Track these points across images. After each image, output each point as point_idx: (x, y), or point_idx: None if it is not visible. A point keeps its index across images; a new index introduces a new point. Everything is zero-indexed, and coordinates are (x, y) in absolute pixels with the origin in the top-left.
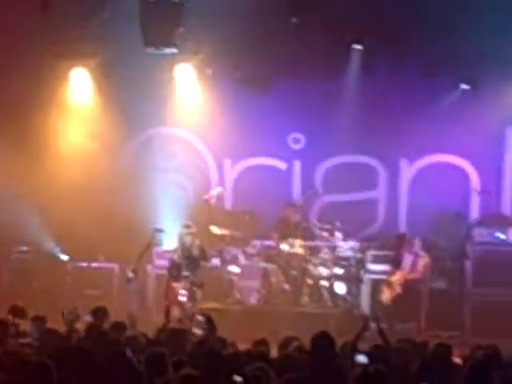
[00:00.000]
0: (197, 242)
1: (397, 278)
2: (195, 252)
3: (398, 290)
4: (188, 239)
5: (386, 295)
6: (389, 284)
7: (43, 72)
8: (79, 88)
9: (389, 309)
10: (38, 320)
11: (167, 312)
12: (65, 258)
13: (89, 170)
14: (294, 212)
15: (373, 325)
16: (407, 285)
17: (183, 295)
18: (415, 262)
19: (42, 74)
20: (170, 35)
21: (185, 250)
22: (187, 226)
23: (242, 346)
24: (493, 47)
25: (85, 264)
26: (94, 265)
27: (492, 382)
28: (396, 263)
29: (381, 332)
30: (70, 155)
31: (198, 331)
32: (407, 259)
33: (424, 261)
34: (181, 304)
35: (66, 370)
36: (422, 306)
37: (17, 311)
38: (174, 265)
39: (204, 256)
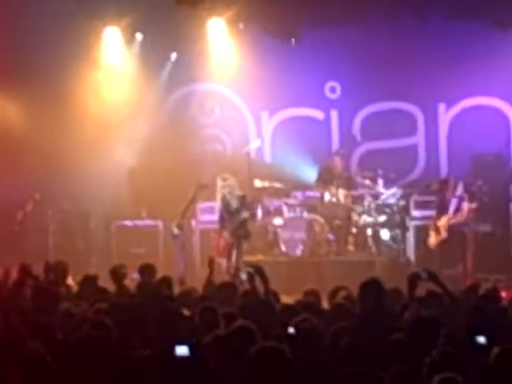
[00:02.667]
0: (236, 192)
1: (443, 222)
2: (234, 203)
3: (444, 234)
4: (226, 192)
5: (432, 240)
6: (435, 229)
7: (77, 32)
8: (113, 47)
9: (436, 253)
10: (89, 279)
11: (211, 263)
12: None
13: (128, 129)
14: (336, 161)
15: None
16: (452, 229)
17: (228, 247)
18: (460, 205)
19: (76, 34)
20: None
21: (225, 202)
22: (224, 179)
23: (289, 298)
24: None
25: (129, 223)
26: (138, 223)
27: None
28: (442, 208)
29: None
30: (106, 115)
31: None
32: (452, 203)
33: (468, 204)
34: (227, 256)
35: (122, 327)
36: (468, 249)
37: (60, 267)
38: (220, 217)
39: (244, 206)
